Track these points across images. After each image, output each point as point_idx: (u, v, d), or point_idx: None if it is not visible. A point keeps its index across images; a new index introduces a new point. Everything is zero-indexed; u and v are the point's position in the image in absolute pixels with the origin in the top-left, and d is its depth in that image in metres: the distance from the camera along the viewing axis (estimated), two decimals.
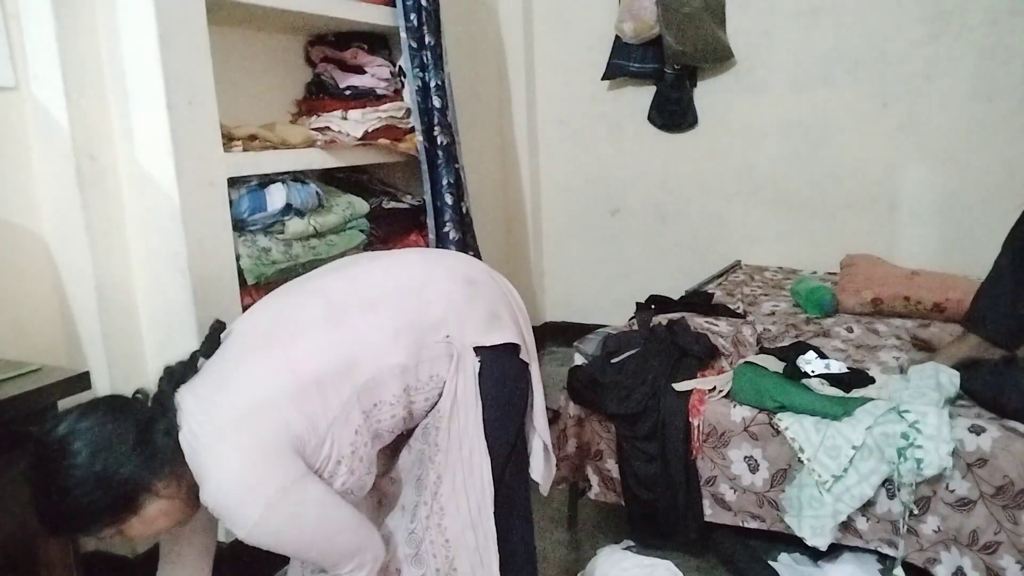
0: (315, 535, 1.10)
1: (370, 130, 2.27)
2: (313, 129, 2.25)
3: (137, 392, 1.15)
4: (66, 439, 1.03)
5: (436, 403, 1.24)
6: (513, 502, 1.30)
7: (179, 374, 1.14)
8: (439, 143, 2.44)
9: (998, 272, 1.71)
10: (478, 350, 1.23)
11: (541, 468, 1.42)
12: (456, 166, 2.50)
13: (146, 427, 1.06)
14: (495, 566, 1.24)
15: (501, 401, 1.26)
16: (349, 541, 1.14)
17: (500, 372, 1.26)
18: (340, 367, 1.13)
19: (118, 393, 1.16)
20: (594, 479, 1.94)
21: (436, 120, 2.42)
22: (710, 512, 1.78)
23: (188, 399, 1.10)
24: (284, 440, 1.07)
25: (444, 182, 2.46)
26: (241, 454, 1.05)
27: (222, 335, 1.21)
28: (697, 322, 2.12)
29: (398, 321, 1.19)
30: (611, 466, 1.89)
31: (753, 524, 1.74)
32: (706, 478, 1.77)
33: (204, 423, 1.06)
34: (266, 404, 1.08)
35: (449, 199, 2.46)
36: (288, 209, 1.97)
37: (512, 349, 1.29)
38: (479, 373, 1.23)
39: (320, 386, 1.11)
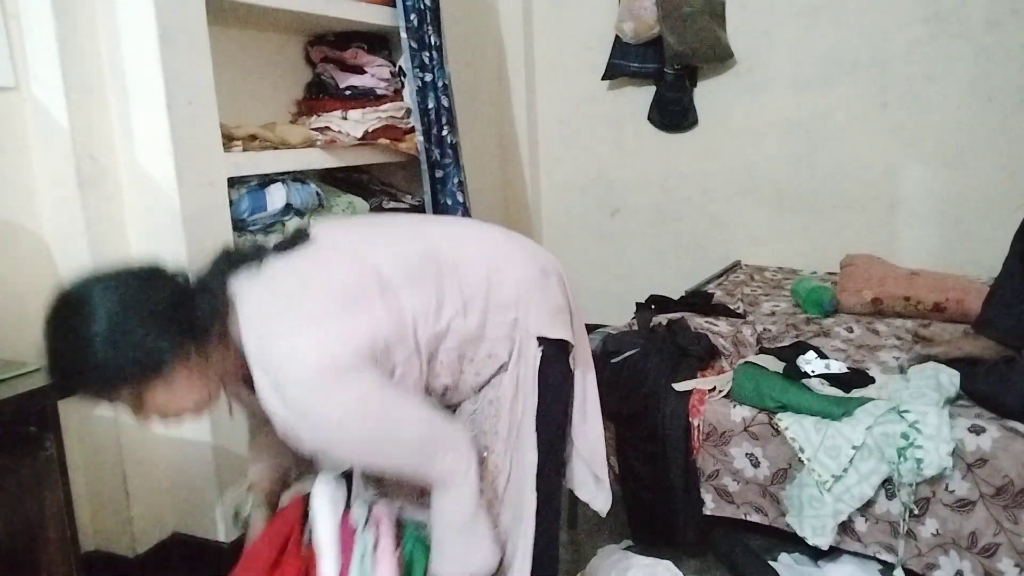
0: (399, 433, 1.06)
1: (370, 130, 2.27)
2: (313, 129, 2.25)
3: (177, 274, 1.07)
4: (91, 288, 0.95)
5: (482, 387, 1.23)
6: (547, 496, 1.25)
7: (238, 260, 1.07)
8: (448, 142, 2.45)
9: (1007, 274, 1.71)
10: (540, 340, 1.22)
11: (592, 491, 1.39)
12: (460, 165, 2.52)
13: (184, 297, 1.00)
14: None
15: (550, 395, 1.24)
16: (438, 435, 1.10)
17: (555, 366, 1.25)
18: (427, 307, 1.11)
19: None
20: None
21: (445, 120, 2.43)
22: (712, 506, 1.78)
23: (248, 290, 1.02)
24: (366, 347, 1.02)
25: (455, 180, 2.48)
26: (325, 350, 0.99)
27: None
28: (697, 322, 2.12)
29: (469, 291, 1.17)
30: (612, 464, 1.90)
31: (756, 517, 1.73)
32: (708, 472, 1.77)
33: (276, 316, 1.00)
34: (351, 314, 1.03)
35: (460, 197, 2.49)
36: (288, 209, 1.97)
37: (567, 347, 1.28)
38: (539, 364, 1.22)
39: (404, 317, 1.08)
